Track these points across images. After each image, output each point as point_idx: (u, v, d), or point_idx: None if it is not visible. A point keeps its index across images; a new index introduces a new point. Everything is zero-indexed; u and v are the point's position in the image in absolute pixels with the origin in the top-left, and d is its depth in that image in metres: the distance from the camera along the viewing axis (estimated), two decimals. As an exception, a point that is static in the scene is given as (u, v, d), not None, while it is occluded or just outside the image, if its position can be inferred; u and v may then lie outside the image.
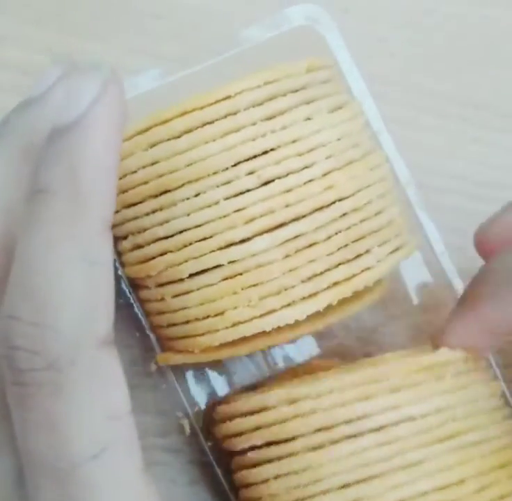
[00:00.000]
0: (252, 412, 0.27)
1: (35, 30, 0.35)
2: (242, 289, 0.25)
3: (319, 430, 0.26)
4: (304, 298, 0.26)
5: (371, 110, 0.31)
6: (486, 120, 0.37)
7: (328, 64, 0.28)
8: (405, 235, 0.28)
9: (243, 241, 0.25)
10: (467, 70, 0.37)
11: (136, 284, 0.29)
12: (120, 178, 0.26)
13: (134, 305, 0.30)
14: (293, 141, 0.26)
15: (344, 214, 0.26)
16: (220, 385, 0.30)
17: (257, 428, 0.27)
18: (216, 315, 0.26)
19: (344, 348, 0.32)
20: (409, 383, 0.27)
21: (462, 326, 0.28)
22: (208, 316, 0.26)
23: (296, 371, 0.30)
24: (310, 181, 0.26)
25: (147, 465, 0.22)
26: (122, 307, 0.30)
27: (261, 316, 0.25)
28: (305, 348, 0.31)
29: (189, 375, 0.30)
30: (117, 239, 0.28)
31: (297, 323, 0.26)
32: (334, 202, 0.26)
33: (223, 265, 0.25)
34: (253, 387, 0.30)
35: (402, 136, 0.33)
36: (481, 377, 0.28)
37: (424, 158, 0.36)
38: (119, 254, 0.28)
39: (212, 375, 0.30)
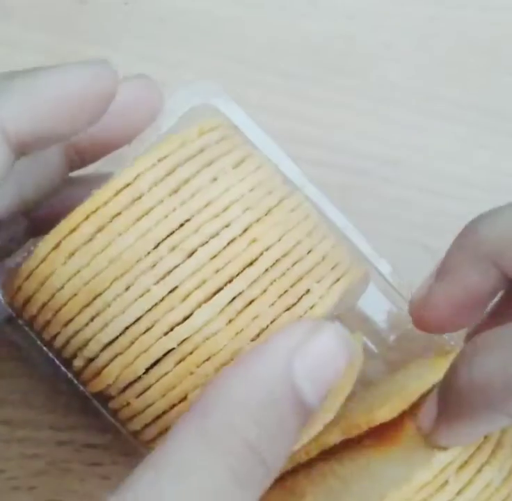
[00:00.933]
0: None
1: (39, 35, 0.37)
2: (196, 366, 0.25)
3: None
4: (259, 355, 0.25)
5: (281, 157, 0.31)
6: (492, 125, 0.38)
7: (219, 123, 0.28)
8: (345, 264, 0.27)
9: (185, 320, 0.25)
10: (472, 75, 0.38)
11: (104, 398, 0.28)
12: (49, 300, 0.26)
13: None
14: (206, 205, 0.25)
15: (275, 263, 0.25)
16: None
17: None
18: (180, 401, 0.25)
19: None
20: None
21: (453, 432, 0.26)
22: (174, 405, 0.25)
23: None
24: (233, 240, 0.25)
25: None
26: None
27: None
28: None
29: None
30: (69, 362, 0.27)
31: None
32: (262, 254, 0.25)
33: (173, 349, 0.25)
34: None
35: (409, 141, 0.35)
36: (486, 455, 0.26)
37: (430, 163, 0.37)
38: (77, 375, 0.27)
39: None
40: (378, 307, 0.32)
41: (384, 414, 0.28)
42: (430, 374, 0.29)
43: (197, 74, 0.37)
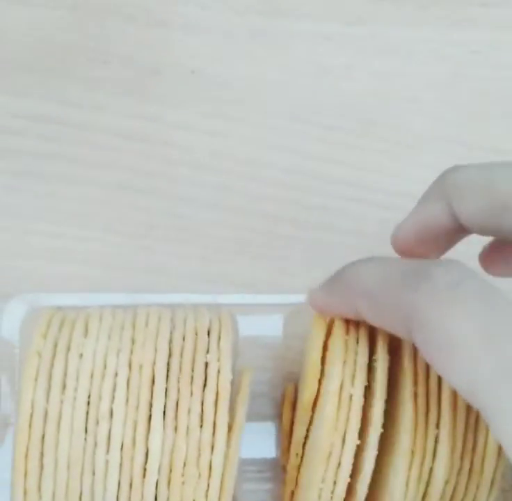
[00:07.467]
0: None
1: (125, 99, 0.43)
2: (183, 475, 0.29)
3: None
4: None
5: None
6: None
7: (51, 314, 0.31)
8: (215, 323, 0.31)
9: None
10: (488, 123, 0.44)
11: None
12: None
13: None
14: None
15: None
16: None
17: None
18: None
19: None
20: None
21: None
22: None
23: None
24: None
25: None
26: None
27: None
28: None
29: None
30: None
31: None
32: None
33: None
34: None
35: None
36: None
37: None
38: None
39: None
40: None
41: (308, 397, 0.31)
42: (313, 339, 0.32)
43: (254, 128, 0.43)
